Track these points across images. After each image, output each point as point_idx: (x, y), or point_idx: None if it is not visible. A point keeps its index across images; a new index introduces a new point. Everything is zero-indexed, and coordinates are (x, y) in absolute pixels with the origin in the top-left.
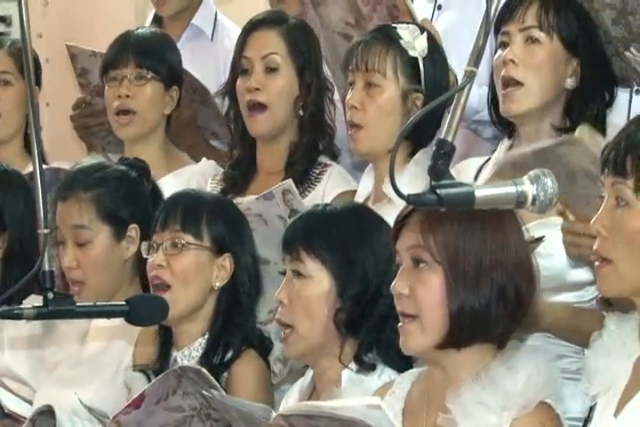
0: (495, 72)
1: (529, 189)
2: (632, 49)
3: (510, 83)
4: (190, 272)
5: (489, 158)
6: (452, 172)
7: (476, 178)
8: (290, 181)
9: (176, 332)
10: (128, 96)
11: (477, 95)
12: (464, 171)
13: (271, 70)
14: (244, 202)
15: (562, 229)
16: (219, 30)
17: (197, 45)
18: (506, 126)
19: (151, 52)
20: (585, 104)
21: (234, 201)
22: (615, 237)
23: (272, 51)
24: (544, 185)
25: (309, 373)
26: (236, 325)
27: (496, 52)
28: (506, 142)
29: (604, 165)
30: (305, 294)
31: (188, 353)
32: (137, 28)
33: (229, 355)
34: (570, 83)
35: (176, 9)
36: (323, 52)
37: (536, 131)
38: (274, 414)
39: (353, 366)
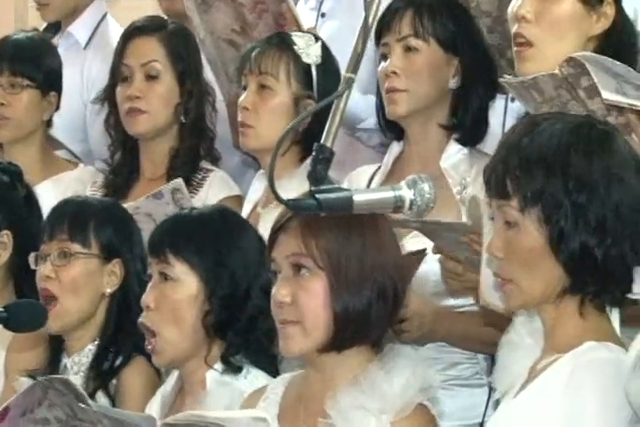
0: (380, 83)
1: (406, 193)
2: (506, 76)
3: (395, 89)
4: (80, 282)
5: (380, 166)
6: (345, 180)
7: (368, 185)
8: (180, 180)
9: (67, 338)
10: (3, 104)
11: (362, 103)
12: (357, 179)
13: (151, 78)
14: (134, 202)
15: (439, 263)
16: (96, 37)
17: (70, 54)
18: (394, 131)
19: (26, 59)
20: (469, 101)
21: None
22: (511, 258)
23: (152, 58)
24: (421, 190)
25: (173, 376)
26: (127, 331)
27: (379, 63)
28: (395, 147)
29: (487, 189)
30: (173, 298)
31: (78, 360)
32: (15, 34)
33: (119, 362)
34: (453, 83)
35: (58, 15)
36: (208, 57)
37: (424, 131)
38: (159, 423)
39: (219, 367)
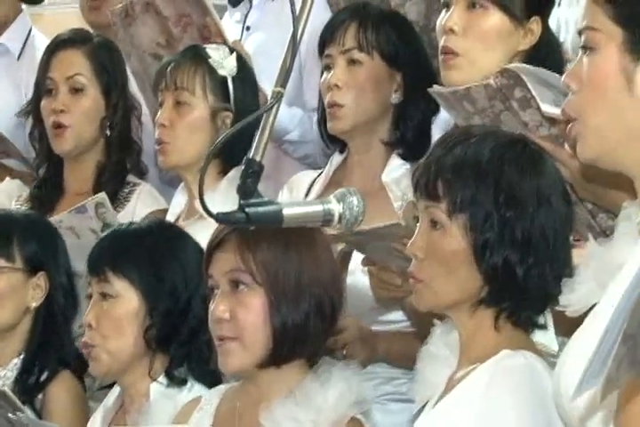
0: (322, 95)
1: (335, 207)
2: (435, 86)
3: (335, 104)
4: (4, 296)
5: (321, 173)
6: (284, 186)
7: (308, 192)
8: (103, 194)
9: None
10: None
11: (288, 116)
12: (297, 185)
13: (76, 91)
14: (57, 215)
15: (368, 273)
16: (28, 49)
17: (3, 63)
18: (336, 143)
19: None
20: (411, 116)
21: None
22: (431, 259)
23: (77, 71)
24: (350, 203)
25: (115, 390)
26: (52, 345)
27: (322, 74)
28: (337, 157)
29: (415, 189)
30: (114, 314)
31: (3, 374)
32: None
33: (45, 376)
34: (395, 97)
35: None
36: (133, 70)
37: (365, 145)
38: None
39: (163, 380)
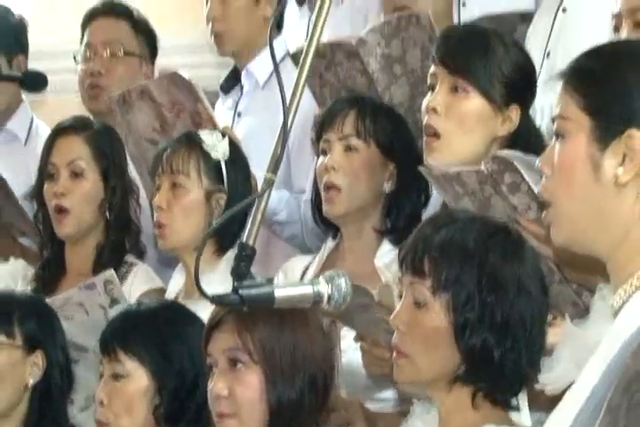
0: (318, 178)
1: (324, 289)
2: (425, 166)
3: (331, 187)
4: (3, 372)
5: (314, 258)
6: (280, 271)
7: (302, 276)
8: (112, 271)
9: None
10: None
11: (276, 197)
12: (291, 270)
13: (76, 175)
14: (66, 292)
15: (360, 350)
16: (33, 135)
17: (11, 149)
18: (329, 228)
19: None
20: (402, 206)
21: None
22: (413, 333)
23: (76, 156)
24: (338, 285)
25: None
26: (50, 422)
27: (318, 157)
28: (329, 243)
29: (401, 265)
30: (125, 393)
31: None
32: None
33: None
34: (387, 187)
35: None
36: (131, 154)
37: (358, 232)
38: None
39: None
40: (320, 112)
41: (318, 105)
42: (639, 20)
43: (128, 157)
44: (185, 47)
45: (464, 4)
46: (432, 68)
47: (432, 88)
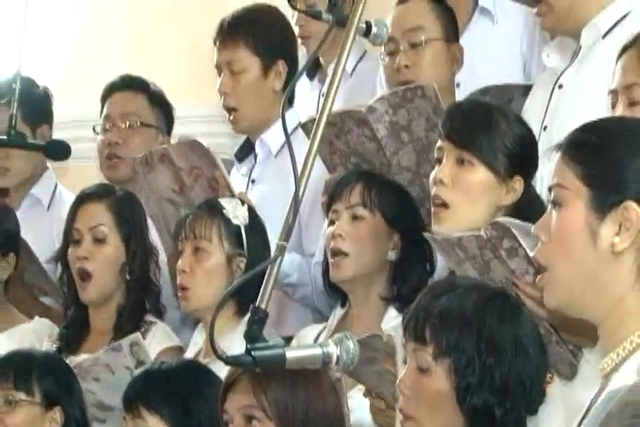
0: (325, 246)
1: (333, 350)
2: (430, 232)
3: (337, 253)
4: None
5: (325, 326)
6: (294, 338)
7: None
8: (138, 334)
9: None
10: None
11: (288, 260)
12: (304, 338)
13: (99, 241)
14: (94, 354)
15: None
16: (56, 201)
17: (35, 214)
18: (338, 295)
19: None
20: (407, 275)
21: (68, 360)
22: (418, 398)
23: (99, 222)
24: (346, 347)
25: None
26: None
27: (326, 228)
28: (338, 311)
29: (404, 332)
30: None
31: None
32: None
33: None
34: (392, 255)
35: (20, 180)
36: (151, 213)
37: (365, 298)
38: None
39: None
40: (330, 180)
41: (329, 171)
42: (633, 98)
43: (148, 217)
44: (201, 117)
45: (458, 86)
46: (439, 143)
47: (439, 161)
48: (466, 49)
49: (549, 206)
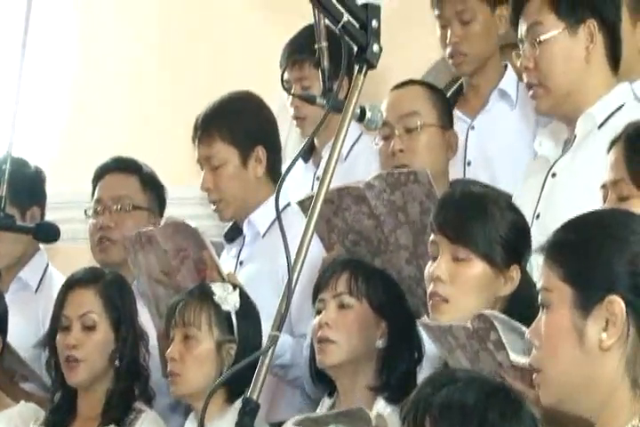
0: (312, 335)
1: None
2: (422, 319)
3: (324, 341)
4: None
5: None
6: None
7: None
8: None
9: None
10: None
11: (280, 341)
12: None
13: (88, 328)
14: None
15: None
16: (46, 283)
17: (22, 297)
18: (325, 384)
19: None
20: (395, 363)
21: None
22: None
23: (88, 309)
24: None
25: None
26: None
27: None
28: (327, 401)
29: (403, 422)
30: None
31: None
32: None
33: None
34: (380, 343)
35: (8, 262)
36: (141, 291)
37: (352, 388)
38: None
39: None
40: (327, 259)
41: (326, 250)
42: (621, 194)
43: (140, 296)
44: (191, 199)
45: (469, 164)
46: (432, 236)
47: (434, 258)
48: (480, 129)
49: (540, 310)
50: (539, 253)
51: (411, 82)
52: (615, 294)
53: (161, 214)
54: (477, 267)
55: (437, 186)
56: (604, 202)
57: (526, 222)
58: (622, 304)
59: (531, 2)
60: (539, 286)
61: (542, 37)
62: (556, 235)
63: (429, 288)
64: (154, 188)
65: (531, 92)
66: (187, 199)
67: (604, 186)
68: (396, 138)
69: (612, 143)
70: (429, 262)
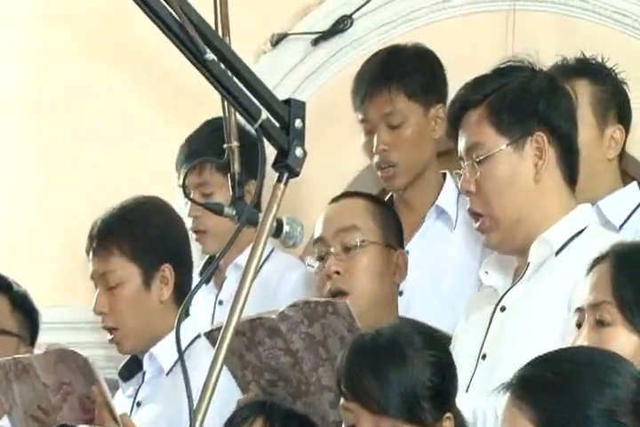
0: None
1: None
2: None
3: None
4: None
5: None
6: None
7: None
8: None
9: None
10: None
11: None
12: None
13: None
14: None
15: None
16: None
17: None
18: None
19: None
20: None
21: None
22: None
23: None
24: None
25: None
26: None
27: None
28: None
29: None
30: None
31: None
32: None
33: None
34: None
35: None
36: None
37: None
38: None
39: None
40: (240, 402)
41: (241, 390)
42: (602, 318)
43: None
44: (71, 322)
45: (401, 293)
46: (342, 401)
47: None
48: (414, 254)
49: None
50: (501, 392)
51: (350, 193)
52: None
53: (32, 344)
54: None
55: (381, 316)
56: (579, 328)
57: (451, 359)
58: None
59: (468, 114)
60: None
61: (482, 157)
62: (527, 370)
63: None
64: (25, 310)
65: (477, 224)
66: (63, 323)
67: (579, 309)
68: (332, 257)
69: (595, 263)
70: None
